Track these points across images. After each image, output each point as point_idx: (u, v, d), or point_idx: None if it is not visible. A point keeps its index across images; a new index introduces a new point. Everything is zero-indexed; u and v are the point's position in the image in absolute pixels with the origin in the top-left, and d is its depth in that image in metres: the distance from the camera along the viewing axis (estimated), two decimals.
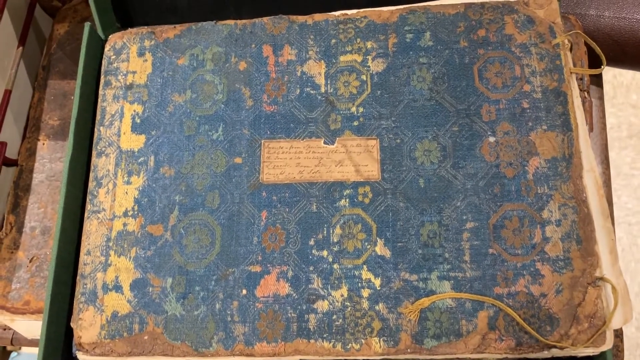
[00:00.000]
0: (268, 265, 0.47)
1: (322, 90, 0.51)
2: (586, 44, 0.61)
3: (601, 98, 0.67)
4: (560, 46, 0.49)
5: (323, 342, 0.45)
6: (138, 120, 0.52)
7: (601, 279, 0.44)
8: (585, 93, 0.59)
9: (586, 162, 0.47)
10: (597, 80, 0.68)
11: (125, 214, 0.50)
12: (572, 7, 0.63)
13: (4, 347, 1.18)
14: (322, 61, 0.52)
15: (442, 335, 0.44)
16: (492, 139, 0.48)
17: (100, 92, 0.54)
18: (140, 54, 0.54)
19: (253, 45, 0.53)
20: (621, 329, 0.59)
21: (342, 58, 0.52)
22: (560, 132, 0.47)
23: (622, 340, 0.59)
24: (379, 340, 0.44)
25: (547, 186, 0.46)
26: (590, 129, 0.58)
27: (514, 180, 0.47)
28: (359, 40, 0.52)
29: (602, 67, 0.50)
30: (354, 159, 0.49)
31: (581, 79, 0.59)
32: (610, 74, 1.41)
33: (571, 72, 0.49)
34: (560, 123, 0.47)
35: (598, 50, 0.50)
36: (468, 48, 0.51)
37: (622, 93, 1.40)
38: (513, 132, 0.48)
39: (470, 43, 0.51)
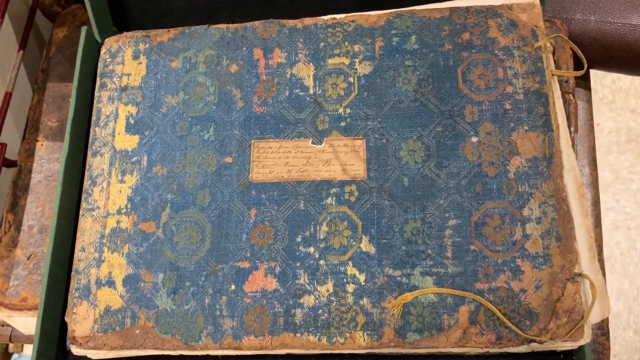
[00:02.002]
0: (256, 261, 0.49)
1: (311, 92, 0.53)
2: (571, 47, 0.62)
3: (589, 101, 0.69)
4: (542, 49, 0.51)
5: (309, 335, 0.46)
6: (132, 121, 0.54)
7: (580, 275, 0.45)
8: (570, 95, 0.60)
9: (567, 161, 0.48)
10: (585, 83, 0.69)
11: (119, 212, 0.52)
12: (558, 11, 0.64)
13: (6, 349, 1.19)
14: (311, 64, 0.54)
15: (425, 329, 0.45)
16: (474, 139, 0.49)
17: (96, 93, 0.56)
18: (135, 56, 0.56)
19: (244, 48, 0.55)
20: (607, 328, 0.60)
21: (330, 61, 0.53)
22: (542, 133, 0.48)
23: (608, 339, 0.60)
24: (363, 334, 0.46)
25: (527, 185, 0.47)
26: (575, 131, 0.60)
27: (496, 179, 0.48)
28: (346, 43, 0.54)
29: (584, 69, 0.51)
30: (340, 159, 0.50)
31: (566, 81, 0.60)
32: (609, 79, 1.42)
33: (553, 74, 0.50)
34: (541, 124, 0.49)
35: (580, 53, 0.52)
36: (452, 51, 0.52)
37: (621, 98, 1.41)
38: (495, 133, 0.49)
39: (455, 46, 0.52)
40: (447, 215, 0.48)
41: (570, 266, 0.45)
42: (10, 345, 1.20)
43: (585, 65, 0.51)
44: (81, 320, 0.49)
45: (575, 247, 0.46)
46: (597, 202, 0.66)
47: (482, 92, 0.50)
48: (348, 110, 0.52)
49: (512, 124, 0.49)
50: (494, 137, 0.49)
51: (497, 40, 0.52)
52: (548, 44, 0.51)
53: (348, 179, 0.50)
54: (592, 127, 0.67)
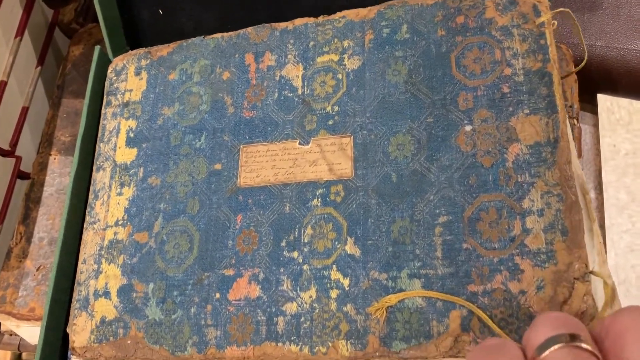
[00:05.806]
0: (241, 268, 0.47)
1: (299, 92, 0.51)
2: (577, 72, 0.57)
3: (595, 125, 0.65)
4: (545, 24, 0.46)
5: (290, 345, 0.43)
6: (132, 135, 0.55)
7: (591, 273, 0.39)
8: (574, 120, 0.55)
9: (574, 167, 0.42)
10: (592, 108, 0.65)
11: (116, 224, 0.52)
12: (564, 37, 0.64)
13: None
14: (300, 64, 0.52)
15: (412, 337, 0.41)
16: (468, 128, 0.45)
17: (103, 111, 0.58)
18: (137, 73, 0.57)
19: (236, 55, 0.54)
20: None
21: (319, 59, 0.51)
22: (545, 115, 0.43)
23: None
24: (346, 343, 0.42)
25: (528, 174, 0.42)
26: (579, 155, 0.55)
27: (492, 169, 0.43)
28: (336, 40, 0.52)
29: (582, 63, 0.45)
30: (327, 158, 0.48)
31: (571, 106, 0.56)
32: (626, 100, 1.33)
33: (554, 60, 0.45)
34: (544, 105, 0.43)
35: (581, 38, 0.46)
36: (445, 37, 0.48)
37: (638, 120, 1.31)
38: (492, 119, 0.44)
39: (448, 31, 0.48)
40: (437, 211, 0.43)
41: (580, 263, 0.39)
42: (10, 354, 1.23)
43: (586, 55, 0.46)
44: (80, 330, 0.50)
45: (584, 241, 0.39)
46: (602, 225, 0.61)
47: (477, 77, 0.46)
48: (336, 108, 0.49)
49: (510, 109, 0.44)
50: (490, 124, 0.44)
51: (494, 21, 0.47)
52: (554, 22, 0.46)
53: (335, 178, 0.47)
54: (599, 152, 0.63)
